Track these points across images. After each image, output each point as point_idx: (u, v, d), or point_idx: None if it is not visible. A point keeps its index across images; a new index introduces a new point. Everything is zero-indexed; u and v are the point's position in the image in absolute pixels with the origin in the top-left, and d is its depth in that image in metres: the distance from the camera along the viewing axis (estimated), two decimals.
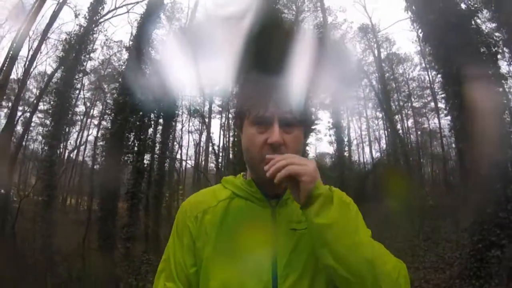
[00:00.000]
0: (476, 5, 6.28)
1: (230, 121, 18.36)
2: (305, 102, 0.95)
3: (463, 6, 6.42)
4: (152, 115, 11.96)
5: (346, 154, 15.36)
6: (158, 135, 12.52)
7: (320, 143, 19.13)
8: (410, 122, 17.01)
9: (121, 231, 8.70)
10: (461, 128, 6.88)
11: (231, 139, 17.92)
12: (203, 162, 20.35)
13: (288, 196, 0.94)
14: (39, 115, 11.21)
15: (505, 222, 5.27)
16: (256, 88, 0.94)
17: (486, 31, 6.59)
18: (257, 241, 0.89)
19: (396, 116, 16.01)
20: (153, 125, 12.14)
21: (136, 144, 10.87)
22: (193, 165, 19.63)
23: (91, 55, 10.22)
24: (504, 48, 6.64)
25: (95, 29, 9.98)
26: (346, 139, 15.82)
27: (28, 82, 11.06)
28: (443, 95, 13.31)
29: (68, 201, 13.43)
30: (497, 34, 6.77)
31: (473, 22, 6.26)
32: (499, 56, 6.32)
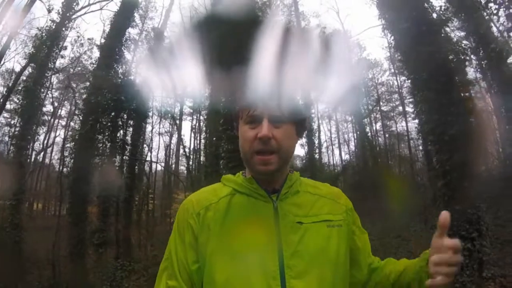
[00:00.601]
0: (446, 15, 6.71)
1: (201, 123, 18.22)
2: (293, 99, 1.00)
3: (434, 15, 6.84)
4: (124, 116, 11.61)
5: (316, 156, 15.70)
6: (128, 137, 12.16)
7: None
8: (378, 125, 17.83)
9: (92, 237, 8.33)
10: (429, 131, 7.24)
11: (203, 141, 17.79)
12: (173, 165, 19.99)
13: (287, 189, 0.99)
14: (5, 114, 10.48)
15: (474, 218, 5.63)
16: (247, 89, 0.99)
17: (455, 39, 7.05)
18: (261, 235, 0.92)
19: (365, 120, 16.65)
20: (123, 127, 11.77)
21: (108, 146, 10.49)
22: (163, 167, 19.21)
23: (62, 52, 9.71)
24: (472, 56, 7.16)
25: (68, 25, 9.50)
26: (316, 142, 16.21)
27: None
28: (411, 100, 14.13)
29: (35, 206, 12.62)
30: (465, 42, 7.29)
31: (443, 31, 6.66)
32: (466, 63, 6.76)
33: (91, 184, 9.66)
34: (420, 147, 14.58)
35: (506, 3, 5.94)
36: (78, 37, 11.03)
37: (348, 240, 1.00)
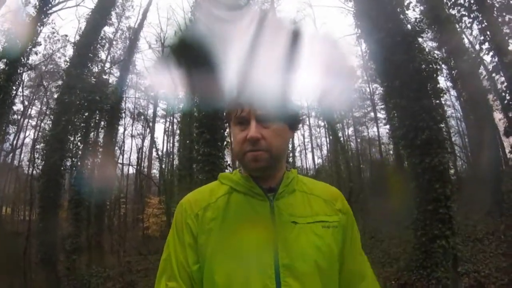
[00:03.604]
0: (421, 26, 7.09)
1: (175, 126, 17.92)
2: (281, 97, 1.00)
3: (409, 26, 7.20)
4: (97, 117, 11.23)
5: (290, 160, 15.92)
6: (100, 139, 11.75)
7: None
8: (350, 130, 18.33)
9: (64, 243, 7.95)
10: (402, 136, 7.56)
11: (176, 144, 17.48)
12: (145, 168, 19.46)
13: (283, 189, 0.99)
14: None
15: (446, 217, 5.98)
16: (235, 88, 1.01)
17: (428, 49, 7.45)
18: (258, 234, 0.92)
19: (338, 125, 17.08)
20: (96, 128, 11.39)
21: (80, 148, 10.09)
22: (136, 170, 18.66)
23: (36, 49, 9.23)
24: (443, 65, 7.59)
25: (43, 20, 9.05)
26: (290, 146, 16.45)
27: None
28: (382, 106, 14.74)
29: (4, 210, 11.80)
30: (437, 52, 7.73)
31: (416, 42, 7.03)
32: (438, 72, 7.16)
33: (63, 187, 9.26)
34: (391, 152, 15.24)
35: (480, 18, 6.41)
36: (53, 33, 10.59)
37: (342, 242, 1.01)
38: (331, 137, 18.13)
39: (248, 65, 0.96)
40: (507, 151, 9.62)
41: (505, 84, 6.48)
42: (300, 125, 1.19)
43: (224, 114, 1.07)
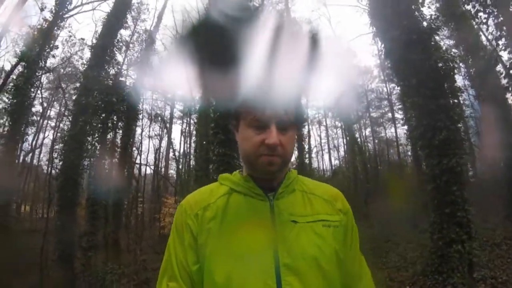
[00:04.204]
0: (436, 24, 6.88)
1: (192, 127, 18.13)
2: (298, 102, 1.02)
3: (424, 24, 7.01)
4: (114, 118, 11.50)
5: (307, 161, 15.82)
6: (117, 140, 12.03)
7: None
8: (368, 131, 18.04)
9: (81, 240, 8.17)
10: (419, 136, 7.37)
11: (193, 145, 17.67)
12: (163, 169, 19.79)
13: (284, 189, 0.99)
14: None
15: (463, 221, 5.78)
16: (252, 90, 0.96)
17: (445, 47, 7.22)
18: (258, 234, 0.92)
19: (355, 125, 16.86)
20: (113, 129, 11.66)
21: (97, 148, 10.35)
22: (153, 171, 18.99)
23: (53, 52, 9.55)
24: (460, 64, 7.34)
25: (60, 24, 9.36)
26: (306, 147, 16.34)
27: None
28: (400, 106, 14.44)
29: (22, 208, 12.24)
30: (454, 50, 7.48)
31: (433, 39, 6.84)
32: (455, 71, 6.93)
33: (81, 186, 9.52)
34: (409, 153, 14.88)
35: (495, 13, 6.14)
36: (70, 36, 10.93)
37: (343, 242, 1.00)
38: (348, 138, 17.92)
39: (265, 68, 0.94)
40: None
41: None
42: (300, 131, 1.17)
43: (234, 112, 1.02)
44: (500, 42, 6.28)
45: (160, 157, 19.21)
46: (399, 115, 15.35)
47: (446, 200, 6.19)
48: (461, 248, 5.43)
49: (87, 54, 11.24)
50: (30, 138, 11.39)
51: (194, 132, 17.37)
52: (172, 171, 19.51)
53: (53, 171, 10.32)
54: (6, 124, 8.32)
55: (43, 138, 13.60)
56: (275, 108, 0.92)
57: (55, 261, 7.77)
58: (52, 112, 14.30)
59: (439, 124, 6.57)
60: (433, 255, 6.10)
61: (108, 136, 11.24)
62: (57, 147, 10.78)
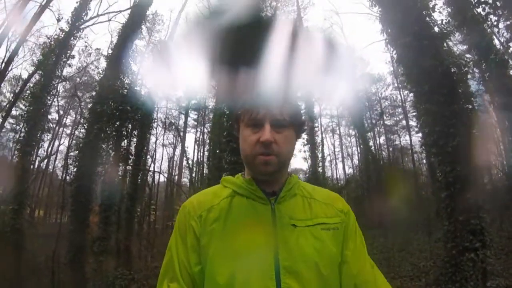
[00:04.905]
0: (448, 29, 6.81)
1: (205, 136, 18.33)
2: (294, 103, 1.03)
3: (436, 29, 6.94)
4: (129, 126, 11.72)
5: (320, 170, 15.68)
6: (131, 147, 12.22)
7: (295, 159, 19.54)
8: (382, 139, 17.80)
9: (93, 245, 8.28)
10: (432, 143, 7.23)
11: (206, 153, 17.83)
12: (176, 177, 19.98)
13: (285, 193, 1.00)
14: (11, 120, 10.59)
15: (477, 228, 5.60)
16: (249, 92, 1.00)
17: (457, 52, 7.11)
18: (260, 237, 0.93)
19: (369, 134, 16.65)
20: (128, 136, 11.87)
21: (111, 155, 10.55)
22: (166, 178, 19.20)
23: (69, 61, 9.89)
24: (474, 69, 7.20)
25: (76, 34, 9.70)
26: (320, 155, 16.21)
27: (2, 85, 10.45)
28: (414, 113, 14.20)
29: (36, 213, 12.54)
30: (468, 55, 7.35)
31: (445, 44, 6.75)
32: (469, 76, 6.81)
33: (94, 192, 9.69)
34: (424, 161, 14.56)
35: (506, 14, 6.03)
36: (86, 46, 11.30)
37: (343, 243, 1.00)
38: (361, 147, 17.72)
39: (268, 71, 0.97)
40: None
41: None
42: (304, 133, 1.19)
43: (235, 115, 1.06)
44: (511, 44, 6.13)
45: (174, 165, 19.42)
46: (413, 122, 15.08)
47: (460, 207, 6.03)
48: (474, 256, 5.26)
49: (102, 63, 11.59)
50: (45, 144, 11.71)
51: (208, 141, 17.58)
52: (185, 179, 19.68)
53: (67, 177, 10.55)
54: (23, 130, 8.61)
55: (59, 145, 14.01)
56: (270, 107, 0.95)
57: (67, 264, 7.89)
58: (68, 120, 14.74)
59: (452, 131, 6.45)
60: (446, 264, 5.91)
61: (123, 144, 11.45)
62: (72, 154, 11.05)
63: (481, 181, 6.33)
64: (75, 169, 9.61)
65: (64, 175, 11.61)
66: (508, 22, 6.03)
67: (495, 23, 6.43)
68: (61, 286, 7.48)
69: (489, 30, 7.27)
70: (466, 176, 6.15)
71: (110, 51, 10.71)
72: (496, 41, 7.61)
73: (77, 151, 10.07)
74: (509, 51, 6.17)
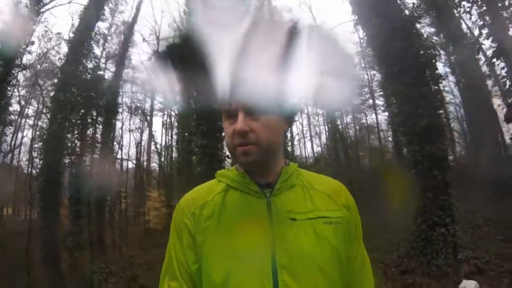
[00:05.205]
0: (418, 12, 6.97)
1: (173, 119, 17.87)
2: (271, 89, 0.94)
3: (406, 12, 7.10)
4: (93, 113, 11.20)
5: (289, 149, 15.87)
6: (97, 135, 11.73)
7: None
8: (349, 118, 18.26)
9: (66, 240, 7.99)
10: (401, 123, 7.52)
11: (174, 137, 17.45)
12: (145, 162, 19.45)
13: (281, 185, 0.96)
14: None
15: (446, 204, 6.00)
16: (221, 83, 0.96)
17: (425, 35, 7.35)
18: (255, 233, 0.90)
19: (336, 112, 16.96)
20: (93, 124, 11.37)
21: (77, 145, 10.07)
22: (135, 165, 18.68)
23: (29, 48, 9.14)
24: (441, 51, 7.52)
25: (36, 19, 8.95)
26: (289, 135, 16.39)
27: None
28: (381, 93, 14.68)
29: (4, 211, 11.81)
30: (435, 38, 7.63)
31: (414, 27, 6.94)
32: (436, 58, 7.09)
33: (62, 185, 9.26)
34: (390, 139, 15.21)
35: (479, 2, 6.29)
36: (46, 31, 10.47)
37: (346, 238, 0.96)
38: (329, 125, 18.09)
39: (239, 58, 0.91)
40: (506, 137, 9.64)
41: (505, 69, 6.35)
42: (296, 117, 1.12)
43: (218, 109, 1.01)
44: (483, 31, 6.43)
45: (142, 150, 18.81)
46: (380, 101, 15.54)
47: (429, 184, 6.39)
48: (445, 231, 5.64)
49: (64, 48, 10.86)
50: (8, 138, 10.91)
51: (176, 124, 17.16)
52: (154, 164, 19.19)
53: (33, 171, 9.96)
54: None
55: (22, 137, 13.12)
56: (241, 96, 0.90)
57: (40, 262, 7.58)
58: (30, 110, 13.78)
59: (420, 111, 6.73)
60: (417, 238, 6.32)
61: (88, 132, 10.96)
62: (36, 146, 10.39)
63: (447, 158, 6.71)
64: (40, 162, 9.09)
65: (29, 169, 10.94)
66: (481, 10, 6.27)
67: (467, 9, 6.66)
68: (37, 284, 7.18)
69: (457, 15, 7.59)
70: (434, 155, 6.50)
71: (71, 35, 10.02)
72: (463, 26, 8.01)
73: (41, 143, 9.49)
74: (481, 38, 6.45)
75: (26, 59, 9.54)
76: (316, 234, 0.91)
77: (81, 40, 9.51)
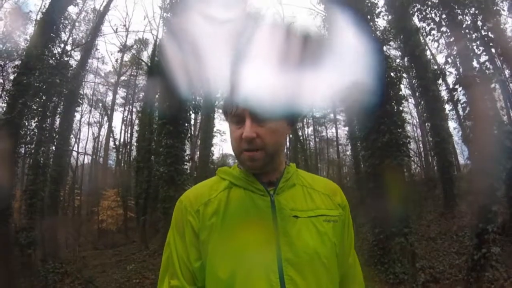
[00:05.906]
0: (388, 35, 7.44)
1: (134, 116, 17.27)
2: (278, 95, 0.95)
3: (378, 33, 7.53)
4: (55, 102, 10.61)
5: None
6: (56, 126, 11.09)
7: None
8: (310, 130, 18.93)
9: (19, 236, 7.43)
10: (363, 138, 7.92)
11: (135, 134, 16.83)
12: (101, 158, 18.56)
13: (284, 183, 0.99)
14: None
15: (403, 216, 6.41)
16: (228, 86, 0.98)
17: (391, 57, 7.87)
18: (260, 230, 0.92)
19: (298, 124, 17.48)
20: (53, 113, 10.75)
21: (36, 134, 9.47)
22: (91, 160, 17.78)
23: None
24: (404, 74, 8.09)
25: None
26: None
27: None
28: (341, 109, 15.40)
29: None
30: (399, 61, 8.19)
31: (383, 49, 7.40)
32: (401, 80, 7.61)
33: (16, 176, 8.64)
34: (348, 152, 15.97)
35: (448, 33, 6.87)
36: (14, 8, 9.71)
37: (341, 235, 1.02)
38: (291, 136, 18.58)
39: (241, 63, 0.95)
40: (459, 157, 10.60)
41: (466, 96, 6.88)
42: (299, 119, 1.20)
43: (223, 110, 1.05)
44: (449, 59, 7.01)
45: (99, 146, 17.91)
46: (340, 117, 16.35)
47: (386, 197, 6.79)
48: (403, 240, 6.03)
49: (30, 29, 10.18)
50: None
51: (137, 121, 16.60)
52: (111, 162, 18.35)
53: None
54: None
55: None
56: (249, 101, 0.92)
57: None
58: None
59: (382, 128, 7.14)
60: (375, 247, 6.69)
61: (48, 121, 10.35)
62: None
63: (404, 174, 7.17)
64: None
65: None
66: (450, 40, 6.83)
67: (436, 38, 7.23)
68: None
69: (423, 41, 8.21)
70: (393, 169, 6.93)
71: (40, 16, 9.40)
72: (427, 52, 8.69)
73: None
74: (447, 65, 7.03)
75: None
76: (318, 231, 0.95)
77: (50, 22, 8.94)
